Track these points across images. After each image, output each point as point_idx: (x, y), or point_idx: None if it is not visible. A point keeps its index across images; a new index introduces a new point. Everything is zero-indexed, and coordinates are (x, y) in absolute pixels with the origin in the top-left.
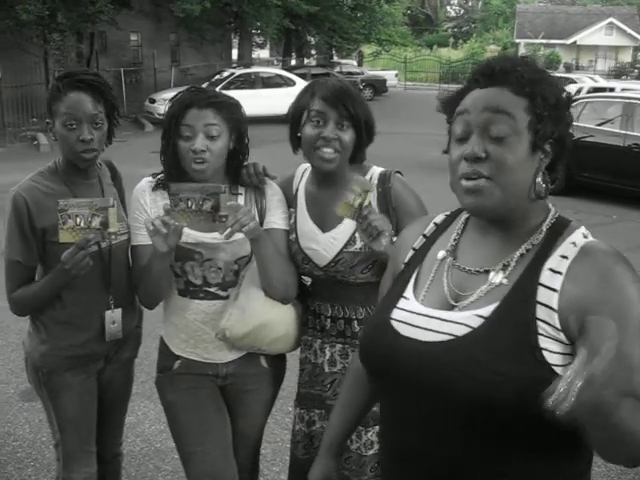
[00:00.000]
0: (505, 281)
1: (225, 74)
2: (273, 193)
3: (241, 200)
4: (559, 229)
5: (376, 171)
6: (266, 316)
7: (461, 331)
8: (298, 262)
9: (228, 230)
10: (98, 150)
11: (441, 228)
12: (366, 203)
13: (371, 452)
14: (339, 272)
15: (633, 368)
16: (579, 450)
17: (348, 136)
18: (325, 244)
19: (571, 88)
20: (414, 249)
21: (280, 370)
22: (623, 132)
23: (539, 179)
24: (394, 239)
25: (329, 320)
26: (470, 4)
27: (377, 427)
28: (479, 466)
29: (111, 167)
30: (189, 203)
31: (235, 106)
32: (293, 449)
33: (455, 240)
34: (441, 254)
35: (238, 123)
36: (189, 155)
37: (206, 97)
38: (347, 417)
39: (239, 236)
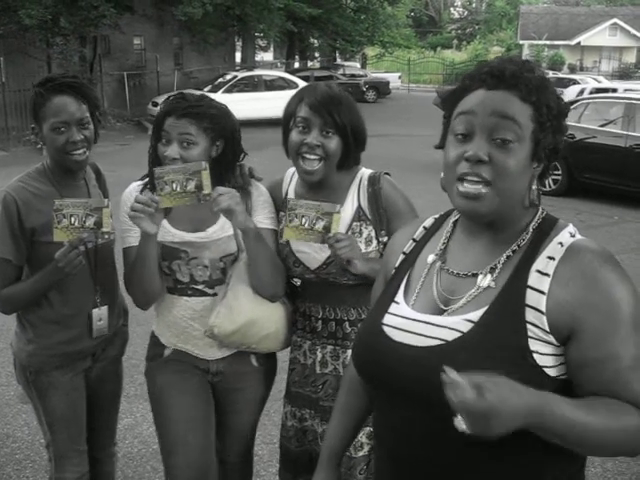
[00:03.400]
0: (493, 284)
1: (228, 77)
2: (259, 194)
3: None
4: (546, 229)
5: (365, 173)
6: (254, 313)
7: (451, 336)
8: (289, 265)
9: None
10: (88, 149)
11: (430, 231)
12: (333, 227)
13: (360, 454)
14: (331, 274)
15: (621, 370)
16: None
17: (333, 143)
18: (316, 246)
19: (574, 89)
20: (404, 253)
21: (271, 369)
22: (625, 133)
23: (534, 187)
24: (385, 238)
25: (320, 322)
26: (474, 6)
27: (367, 428)
28: (473, 469)
29: (95, 169)
30: (174, 185)
31: (218, 115)
32: (285, 442)
33: (444, 243)
34: (431, 258)
35: (222, 131)
36: (165, 160)
37: (184, 107)
38: (346, 424)
39: (224, 234)
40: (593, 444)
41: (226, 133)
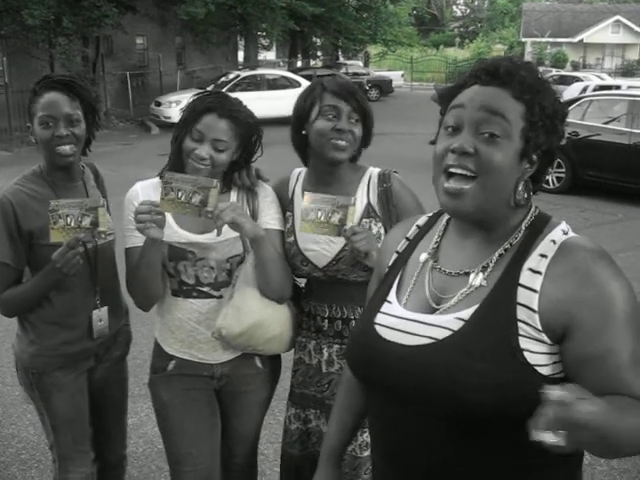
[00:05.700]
0: (484, 283)
1: (231, 76)
2: (265, 194)
3: (233, 200)
4: (539, 226)
5: (374, 171)
6: (261, 315)
7: (442, 334)
8: (297, 264)
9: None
10: (76, 146)
11: (423, 230)
12: (349, 220)
13: (366, 454)
14: (340, 271)
15: (619, 365)
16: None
17: (358, 130)
18: (325, 244)
19: (577, 86)
20: (397, 252)
21: (275, 371)
22: (629, 130)
23: (520, 188)
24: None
25: (326, 321)
26: (476, 3)
27: None
28: (465, 467)
29: (94, 170)
30: (179, 194)
31: (252, 125)
32: (288, 448)
33: (436, 242)
34: (423, 257)
35: (248, 140)
36: (191, 157)
37: (228, 107)
38: (346, 422)
39: (231, 235)
40: (624, 445)
41: (250, 143)
